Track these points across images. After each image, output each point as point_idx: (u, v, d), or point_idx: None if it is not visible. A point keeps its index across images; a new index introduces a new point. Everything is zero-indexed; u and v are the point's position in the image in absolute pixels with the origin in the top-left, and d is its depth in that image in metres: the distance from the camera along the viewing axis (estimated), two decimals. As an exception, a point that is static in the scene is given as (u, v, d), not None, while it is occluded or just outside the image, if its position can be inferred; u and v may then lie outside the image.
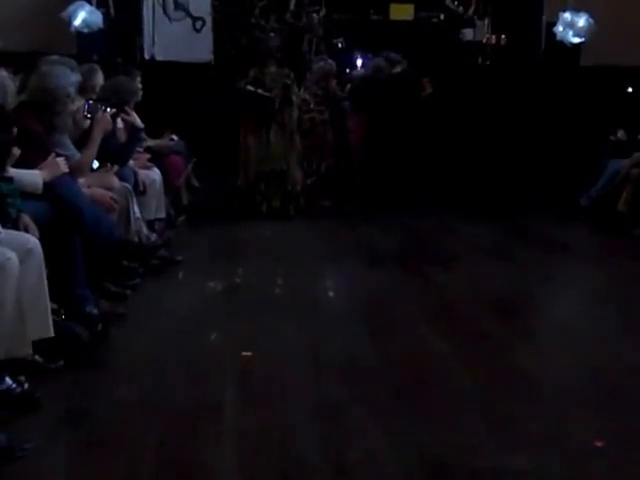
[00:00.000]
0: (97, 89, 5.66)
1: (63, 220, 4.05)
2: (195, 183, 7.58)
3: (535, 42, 9.61)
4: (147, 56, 9.21)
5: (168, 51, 9.15)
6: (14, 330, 3.29)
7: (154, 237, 5.60)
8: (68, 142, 4.79)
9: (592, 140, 8.22)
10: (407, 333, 4.40)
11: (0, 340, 3.21)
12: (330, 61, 8.13)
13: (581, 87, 9.12)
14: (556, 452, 2.98)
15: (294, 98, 7.55)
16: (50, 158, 4.14)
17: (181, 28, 9.21)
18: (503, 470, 2.86)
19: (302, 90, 7.76)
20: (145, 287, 5.02)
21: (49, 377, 3.50)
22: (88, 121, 5.00)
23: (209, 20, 8.88)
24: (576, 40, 8.67)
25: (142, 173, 5.70)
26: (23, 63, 4.73)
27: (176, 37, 9.16)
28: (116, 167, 5.23)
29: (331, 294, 5.40)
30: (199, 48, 9.02)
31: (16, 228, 3.65)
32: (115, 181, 5.02)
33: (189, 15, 9.18)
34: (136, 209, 5.28)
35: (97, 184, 4.78)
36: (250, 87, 7.41)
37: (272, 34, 7.47)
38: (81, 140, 4.93)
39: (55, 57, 5.07)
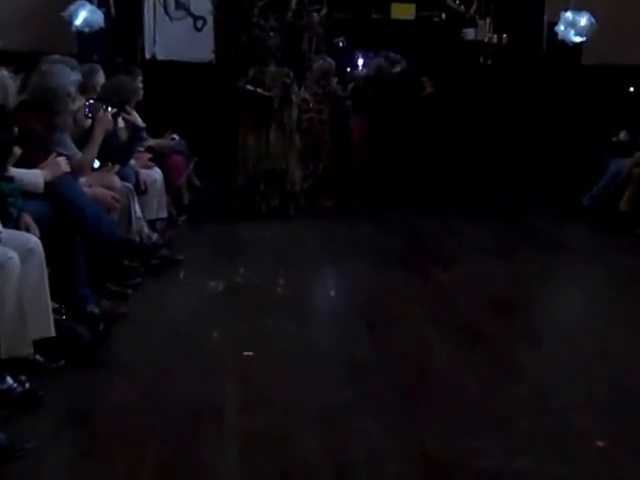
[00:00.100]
0: (98, 88, 5.66)
1: (64, 220, 4.06)
2: (196, 182, 7.57)
3: (537, 41, 9.60)
4: (148, 55, 9.21)
5: (169, 50, 9.15)
6: (15, 329, 3.29)
7: (155, 237, 5.61)
8: (69, 141, 4.78)
9: (594, 139, 8.20)
10: (408, 333, 4.40)
11: (1, 339, 3.21)
12: (329, 59, 8.13)
13: (582, 86, 9.11)
14: (556, 452, 2.98)
15: (294, 97, 7.55)
16: (51, 157, 4.14)
17: (182, 27, 9.21)
18: (503, 470, 2.86)
19: (302, 89, 7.76)
20: (146, 287, 5.02)
21: (50, 377, 3.50)
22: (89, 120, 4.99)
23: (210, 19, 8.88)
24: (578, 39, 8.64)
25: (143, 172, 5.70)
26: (24, 62, 4.71)
27: (177, 36, 9.16)
28: (117, 166, 5.23)
29: (332, 294, 5.40)
30: (200, 47, 9.01)
31: (17, 228, 3.65)
32: (116, 180, 5.02)
33: (190, 14, 9.18)
34: (137, 209, 5.28)
35: (98, 183, 4.79)
36: (249, 86, 7.41)
37: (272, 33, 7.46)
38: (82, 139, 4.93)
39: (56, 56, 5.08)
